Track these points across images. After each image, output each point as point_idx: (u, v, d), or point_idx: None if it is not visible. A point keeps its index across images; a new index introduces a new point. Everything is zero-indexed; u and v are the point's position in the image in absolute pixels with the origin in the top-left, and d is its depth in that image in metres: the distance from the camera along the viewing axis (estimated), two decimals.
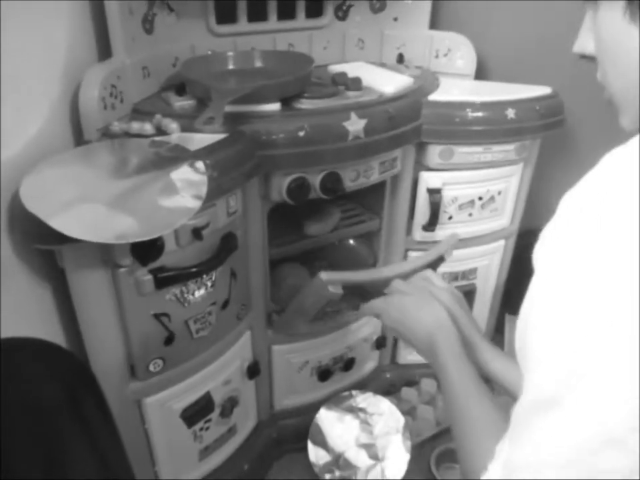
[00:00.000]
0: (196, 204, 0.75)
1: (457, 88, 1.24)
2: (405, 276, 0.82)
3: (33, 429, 0.52)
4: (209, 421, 1.09)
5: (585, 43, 0.49)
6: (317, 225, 1.17)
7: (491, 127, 1.15)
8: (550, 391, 0.35)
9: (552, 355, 0.36)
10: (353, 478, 1.24)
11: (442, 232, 1.26)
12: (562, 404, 0.34)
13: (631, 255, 0.32)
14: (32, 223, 0.69)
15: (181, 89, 1.00)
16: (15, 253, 0.78)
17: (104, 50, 0.95)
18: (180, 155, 0.82)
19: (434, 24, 1.34)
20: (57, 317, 0.91)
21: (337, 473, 1.24)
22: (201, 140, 0.88)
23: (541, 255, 0.40)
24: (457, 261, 1.31)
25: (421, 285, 0.75)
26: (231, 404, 1.13)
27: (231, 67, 1.09)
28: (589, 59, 0.50)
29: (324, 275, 0.86)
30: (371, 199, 1.27)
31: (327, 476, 1.24)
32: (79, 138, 0.90)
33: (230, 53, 1.09)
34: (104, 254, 0.80)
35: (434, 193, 1.20)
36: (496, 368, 0.71)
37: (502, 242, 1.36)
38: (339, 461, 1.25)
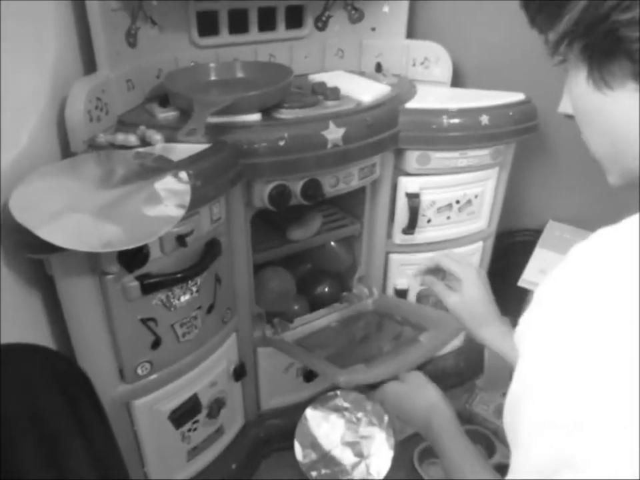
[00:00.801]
0: (179, 212, 0.78)
1: (434, 95, 1.29)
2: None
3: (32, 431, 0.55)
4: (197, 422, 1.12)
5: (567, 104, 0.49)
6: (300, 230, 1.21)
7: (466, 132, 1.19)
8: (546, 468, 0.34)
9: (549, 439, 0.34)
10: (339, 476, 1.27)
11: (421, 235, 1.30)
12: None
13: (632, 340, 0.31)
14: (22, 233, 0.72)
15: (164, 101, 1.03)
16: (6, 262, 0.80)
17: (89, 64, 0.98)
18: (163, 166, 0.85)
19: (411, 33, 1.38)
20: (47, 323, 0.93)
21: (323, 471, 1.28)
22: (184, 150, 0.91)
23: (527, 338, 0.39)
24: None
25: (414, 377, 0.82)
26: (217, 405, 1.16)
27: (213, 77, 1.13)
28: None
29: (343, 380, 0.91)
30: (352, 203, 1.31)
31: (314, 474, 1.28)
32: (66, 150, 0.93)
33: (212, 65, 1.12)
34: (91, 262, 0.83)
35: (412, 197, 1.24)
36: (508, 345, 0.76)
37: (480, 243, 1.41)
38: (324, 459, 1.29)
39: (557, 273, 0.39)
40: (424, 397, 0.77)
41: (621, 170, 0.47)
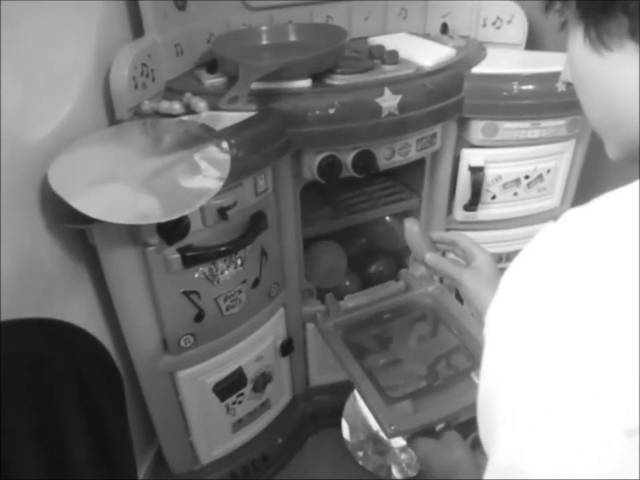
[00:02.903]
0: (217, 185, 0.75)
1: (505, 59, 1.17)
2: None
3: (32, 406, 0.54)
4: (242, 395, 1.11)
5: (567, 70, 0.45)
6: None
7: (540, 100, 1.08)
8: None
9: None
10: (387, 459, 1.23)
11: (484, 212, 1.21)
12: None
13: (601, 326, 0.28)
14: (60, 203, 0.71)
15: (212, 66, 0.99)
16: (49, 232, 0.80)
17: (138, 28, 0.96)
18: (205, 135, 0.82)
19: None
20: (94, 293, 0.94)
21: (370, 451, 1.25)
22: (229, 118, 0.87)
23: (493, 329, 0.35)
24: (502, 242, 1.26)
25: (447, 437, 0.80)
26: (264, 379, 1.15)
27: (264, 41, 1.07)
28: None
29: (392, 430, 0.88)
30: (410, 176, 1.23)
31: (360, 454, 1.25)
32: (113, 117, 0.92)
33: (263, 28, 1.07)
34: (132, 233, 0.82)
35: (476, 171, 1.15)
36: None
37: (550, 223, 1.29)
38: (372, 440, 1.25)
39: (523, 258, 0.35)
40: (451, 456, 0.76)
41: (620, 142, 0.42)
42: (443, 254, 0.86)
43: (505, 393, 0.32)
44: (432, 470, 0.77)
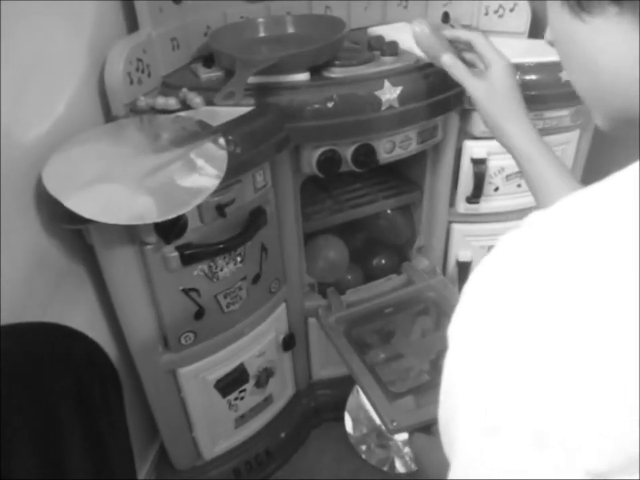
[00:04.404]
0: (213, 183, 0.74)
1: (507, 48, 1.12)
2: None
3: (30, 409, 0.54)
4: (244, 391, 1.11)
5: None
6: None
7: (543, 90, 1.06)
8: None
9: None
10: (390, 452, 1.23)
11: (487, 204, 1.19)
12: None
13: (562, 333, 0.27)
14: (56, 203, 0.70)
15: (209, 60, 0.97)
16: (47, 232, 0.80)
17: (132, 23, 0.94)
18: (202, 131, 0.81)
19: None
20: (93, 292, 0.94)
21: (373, 445, 1.24)
22: (227, 114, 0.86)
23: (456, 332, 0.33)
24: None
25: None
26: (266, 375, 1.15)
27: (262, 34, 1.05)
28: None
29: (394, 426, 0.88)
30: (412, 168, 1.22)
31: (363, 447, 1.25)
32: (108, 114, 0.91)
33: (260, 20, 1.05)
34: (130, 232, 0.81)
35: (478, 162, 1.13)
36: (522, 144, 0.71)
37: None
38: (375, 434, 1.25)
39: (486, 263, 0.32)
40: (442, 453, 0.74)
41: (606, 110, 0.40)
42: (462, 59, 0.79)
43: (464, 406, 0.31)
44: (421, 466, 0.76)
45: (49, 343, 0.58)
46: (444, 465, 0.73)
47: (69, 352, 0.60)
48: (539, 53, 1.10)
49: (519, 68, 1.05)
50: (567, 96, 1.06)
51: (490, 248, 1.00)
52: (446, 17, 1.23)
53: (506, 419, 0.28)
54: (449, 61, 0.76)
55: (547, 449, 0.26)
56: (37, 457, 0.57)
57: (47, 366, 0.56)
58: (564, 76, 1.04)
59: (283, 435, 1.25)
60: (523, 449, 0.27)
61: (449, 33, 0.80)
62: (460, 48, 0.81)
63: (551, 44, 0.44)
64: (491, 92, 0.72)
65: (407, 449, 1.23)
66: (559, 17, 0.38)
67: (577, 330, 0.26)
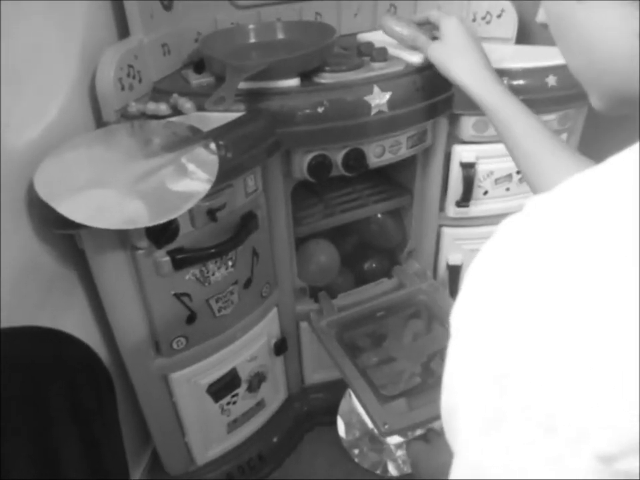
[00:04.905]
0: (204, 187, 0.74)
1: (495, 54, 1.14)
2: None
3: (24, 414, 0.54)
4: (236, 395, 1.11)
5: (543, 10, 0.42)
6: None
7: (531, 95, 1.07)
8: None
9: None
10: (383, 456, 1.24)
11: (477, 208, 1.21)
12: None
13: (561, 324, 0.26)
14: (48, 208, 0.70)
15: (199, 66, 0.98)
16: (38, 237, 0.80)
17: (124, 29, 0.95)
18: (193, 136, 0.81)
19: None
20: (85, 297, 0.94)
21: (366, 449, 1.25)
22: (217, 119, 0.86)
23: (458, 322, 0.32)
24: None
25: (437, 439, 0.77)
26: (258, 379, 1.15)
27: (252, 40, 1.06)
28: None
29: (386, 429, 0.91)
30: (402, 173, 1.23)
31: (356, 451, 1.25)
32: (99, 120, 0.91)
33: (250, 26, 1.05)
34: (121, 237, 0.81)
35: (467, 167, 1.14)
36: (494, 99, 0.76)
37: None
38: (367, 437, 1.25)
39: (486, 250, 0.32)
40: (438, 459, 0.74)
41: (602, 90, 0.40)
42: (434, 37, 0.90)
43: (464, 400, 0.31)
44: (419, 474, 0.77)
45: (42, 347, 0.58)
46: (441, 472, 0.73)
47: (61, 355, 0.60)
48: (526, 58, 1.12)
49: (507, 73, 1.06)
50: (554, 100, 1.08)
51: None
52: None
53: (510, 408, 0.27)
54: (410, 37, 0.87)
55: (553, 435, 0.26)
56: (32, 459, 0.57)
57: (40, 369, 0.56)
58: (550, 81, 1.06)
59: (275, 439, 1.25)
60: (528, 437, 0.27)
61: (415, 18, 0.92)
62: (430, 29, 0.93)
63: (544, 26, 0.44)
64: (446, 49, 0.78)
65: (399, 452, 1.23)
66: None
67: (579, 312, 0.26)
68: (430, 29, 0.94)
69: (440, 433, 0.82)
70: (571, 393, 0.25)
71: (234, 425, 1.15)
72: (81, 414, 0.62)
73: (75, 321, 0.91)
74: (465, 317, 0.31)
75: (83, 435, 0.61)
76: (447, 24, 0.81)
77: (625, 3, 0.33)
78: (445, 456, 0.76)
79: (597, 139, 1.30)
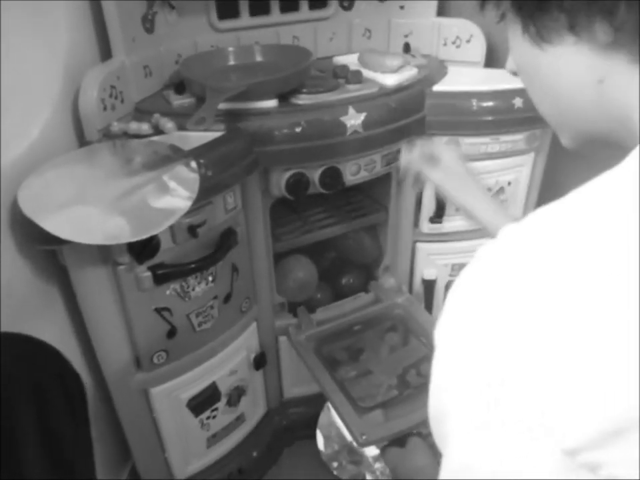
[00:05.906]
0: (185, 204, 0.77)
1: (465, 77, 1.22)
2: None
3: None
4: (216, 409, 1.12)
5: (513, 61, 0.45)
6: None
7: (498, 116, 1.13)
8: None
9: None
10: (361, 468, 1.25)
11: (450, 224, 1.25)
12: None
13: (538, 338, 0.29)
14: (31, 224, 0.72)
15: (180, 87, 1.01)
16: (20, 253, 0.81)
17: (106, 51, 0.97)
18: (174, 155, 0.84)
19: (442, 11, 1.30)
20: (65, 312, 0.95)
21: (344, 462, 1.26)
22: (197, 138, 0.89)
23: (441, 340, 0.35)
24: (467, 253, 1.30)
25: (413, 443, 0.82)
26: (237, 393, 1.16)
27: (231, 62, 1.10)
28: None
29: (363, 440, 0.93)
30: (378, 190, 1.27)
31: (335, 464, 1.26)
32: (82, 139, 0.93)
33: (230, 49, 1.09)
34: (103, 252, 0.83)
35: None
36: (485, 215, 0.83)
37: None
38: (346, 450, 1.27)
39: (466, 273, 0.35)
40: (415, 462, 0.79)
41: (570, 132, 0.43)
42: None
43: (453, 405, 0.33)
44: (397, 476, 0.80)
45: (11, 353, 0.59)
46: (420, 473, 0.76)
47: (31, 361, 0.61)
48: (494, 81, 1.18)
49: (476, 95, 1.12)
50: (521, 121, 1.13)
51: (454, 266, 1.08)
52: (407, 47, 1.29)
53: (496, 413, 0.29)
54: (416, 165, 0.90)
55: (536, 436, 0.28)
56: None
57: (8, 375, 0.57)
58: (517, 102, 1.11)
59: (255, 453, 1.26)
60: (515, 440, 0.29)
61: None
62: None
63: (514, 73, 0.46)
64: (447, 177, 0.85)
65: (377, 465, 1.25)
66: (520, 47, 0.40)
67: (551, 321, 0.28)
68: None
69: (413, 436, 0.85)
70: (552, 395, 0.28)
71: (214, 439, 1.15)
72: (49, 422, 0.62)
73: (55, 336, 0.91)
74: (451, 331, 0.34)
75: (50, 444, 0.62)
76: (448, 158, 0.86)
77: (585, 53, 0.35)
78: (421, 459, 0.79)
79: (564, 158, 1.36)
